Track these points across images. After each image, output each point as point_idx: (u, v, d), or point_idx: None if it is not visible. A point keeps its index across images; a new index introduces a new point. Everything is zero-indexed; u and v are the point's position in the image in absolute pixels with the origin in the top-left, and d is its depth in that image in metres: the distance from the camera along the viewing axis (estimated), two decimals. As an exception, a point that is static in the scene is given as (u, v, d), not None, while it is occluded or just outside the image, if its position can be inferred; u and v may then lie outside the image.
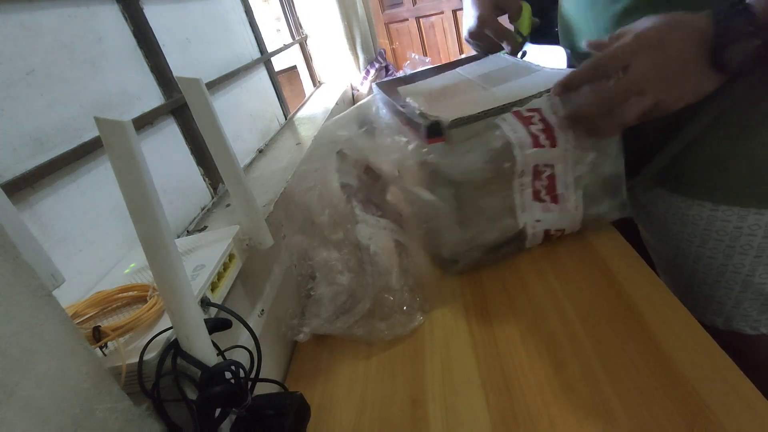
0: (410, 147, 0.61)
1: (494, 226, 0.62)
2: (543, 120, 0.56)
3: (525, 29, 0.74)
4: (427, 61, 0.91)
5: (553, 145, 0.57)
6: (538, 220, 0.63)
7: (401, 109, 0.65)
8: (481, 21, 0.72)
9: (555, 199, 0.62)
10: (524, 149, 0.56)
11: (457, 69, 0.80)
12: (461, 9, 2.60)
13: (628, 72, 0.47)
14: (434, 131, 0.57)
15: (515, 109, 0.57)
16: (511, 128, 0.56)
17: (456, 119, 0.56)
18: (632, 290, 0.54)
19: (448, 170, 0.57)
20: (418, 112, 0.61)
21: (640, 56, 0.47)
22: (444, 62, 0.90)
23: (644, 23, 0.48)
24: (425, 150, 0.58)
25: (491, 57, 0.79)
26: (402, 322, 0.59)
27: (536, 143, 0.56)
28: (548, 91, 0.57)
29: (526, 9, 0.73)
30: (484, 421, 0.45)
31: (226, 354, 0.40)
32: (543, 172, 0.60)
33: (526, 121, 0.56)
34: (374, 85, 0.82)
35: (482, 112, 0.56)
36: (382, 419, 0.48)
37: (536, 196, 0.61)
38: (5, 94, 0.44)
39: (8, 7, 0.46)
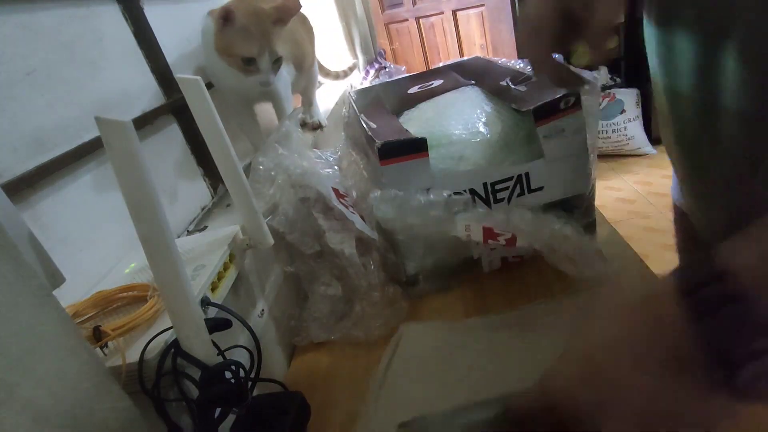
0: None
1: (450, 252, 0.61)
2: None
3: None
4: (402, 69, 0.90)
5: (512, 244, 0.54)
6: (492, 249, 0.61)
7: (363, 125, 0.62)
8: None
9: None
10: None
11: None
12: (461, 9, 2.61)
13: None
14: (387, 153, 0.55)
15: (487, 225, 0.53)
16: (467, 231, 0.54)
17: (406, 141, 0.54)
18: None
19: (385, 214, 0.55)
20: (369, 132, 0.59)
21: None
22: (421, 71, 0.85)
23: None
24: (381, 175, 0.56)
25: (469, 89, 0.72)
26: (392, 314, 0.60)
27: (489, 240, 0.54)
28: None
29: None
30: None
31: (226, 354, 0.40)
32: None
33: (491, 236, 0.53)
34: (349, 93, 0.77)
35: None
36: (382, 419, 0.48)
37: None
38: (6, 94, 0.44)
39: (8, 7, 0.46)
